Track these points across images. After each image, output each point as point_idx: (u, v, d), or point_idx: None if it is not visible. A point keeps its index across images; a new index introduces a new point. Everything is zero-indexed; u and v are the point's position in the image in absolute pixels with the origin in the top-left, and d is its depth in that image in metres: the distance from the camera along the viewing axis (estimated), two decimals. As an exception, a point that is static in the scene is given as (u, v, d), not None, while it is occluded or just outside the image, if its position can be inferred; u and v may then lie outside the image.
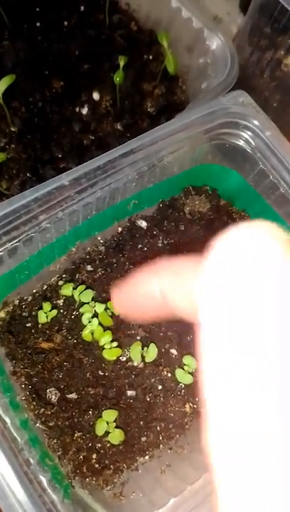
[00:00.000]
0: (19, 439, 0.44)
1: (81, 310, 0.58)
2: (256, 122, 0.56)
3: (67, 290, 0.58)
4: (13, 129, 0.69)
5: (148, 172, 0.54)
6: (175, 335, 0.60)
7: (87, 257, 0.62)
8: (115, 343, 0.57)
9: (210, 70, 0.73)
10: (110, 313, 0.59)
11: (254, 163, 0.58)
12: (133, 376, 0.58)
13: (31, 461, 0.43)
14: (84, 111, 0.74)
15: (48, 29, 0.76)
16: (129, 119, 0.74)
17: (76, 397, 0.57)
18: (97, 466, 0.54)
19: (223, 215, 0.65)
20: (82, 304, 0.58)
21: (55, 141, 0.71)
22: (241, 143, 0.58)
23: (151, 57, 0.78)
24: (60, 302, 0.59)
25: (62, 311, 0.59)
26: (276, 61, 0.71)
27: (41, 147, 0.70)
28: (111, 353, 0.57)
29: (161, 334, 0.60)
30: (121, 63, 0.67)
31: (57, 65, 0.74)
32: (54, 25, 0.77)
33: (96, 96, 0.74)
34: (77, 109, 0.73)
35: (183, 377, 0.58)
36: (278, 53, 0.70)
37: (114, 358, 0.57)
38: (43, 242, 0.51)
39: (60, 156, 0.69)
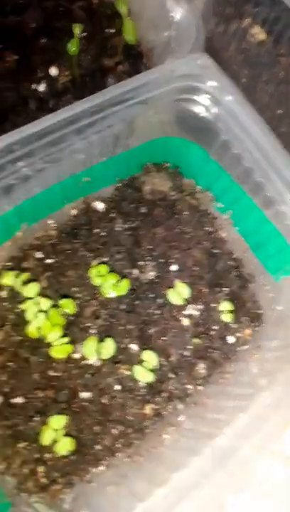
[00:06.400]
0: None
1: (22, 307, 0.48)
2: (213, 85, 0.47)
3: (7, 279, 0.48)
4: None
5: (97, 141, 0.44)
6: (136, 328, 0.51)
7: (37, 243, 0.52)
8: (66, 339, 0.48)
9: (175, 43, 0.63)
10: (62, 312, 0.49)
11: (216, 135, 0.48)
12: (88, 376, 0.49)
13: None
14: (42, 88, 0.64)
15: (2, 0, 0.66)
16: (89, 95, 0.64)
17: (22, 401, 0.47)
18: (44, 480, 0.45)
19: (186, 194, 0.55)
20: (26, 299, 0.48)
21: (9, 120, 0.61)
22: (200, 110, 0.48)
23: (112, 31, 0.68)
24: (4, 294, 0.49)
25: (5, 304, 0.49)
26: (243, 31, 0.62)
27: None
28: (60, 350, 0.48)
29: (121, 328, 0.51)
30: (76, 31, 0.58)
31: (11, 39, 0.65)
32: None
33: (54, 71, 0.64)
34: (34, 86, 0.64)
35: (141, 375, 0.48)
36: (244, 22, 0.61)
37: (65, 356, 0.48)
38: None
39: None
